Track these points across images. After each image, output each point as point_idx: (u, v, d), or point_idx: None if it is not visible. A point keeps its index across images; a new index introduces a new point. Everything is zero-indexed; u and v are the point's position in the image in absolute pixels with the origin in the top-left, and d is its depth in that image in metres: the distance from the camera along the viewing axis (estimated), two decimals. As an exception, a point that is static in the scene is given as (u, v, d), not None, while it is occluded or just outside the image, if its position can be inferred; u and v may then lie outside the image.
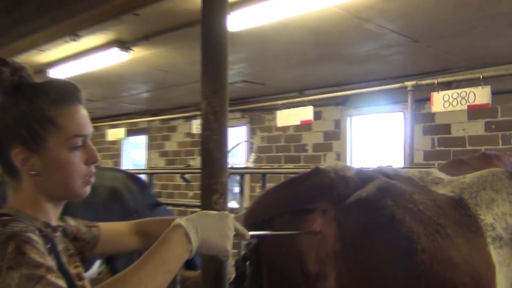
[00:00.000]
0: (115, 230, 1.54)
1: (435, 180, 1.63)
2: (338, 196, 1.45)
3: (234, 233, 1.29)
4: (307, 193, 1.49)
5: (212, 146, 1.62)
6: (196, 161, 8.78)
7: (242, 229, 1.33)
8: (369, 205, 1.37)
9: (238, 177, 4.61)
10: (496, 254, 1.39)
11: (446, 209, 1.43)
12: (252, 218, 1.51)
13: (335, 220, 1.42)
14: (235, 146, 5.43)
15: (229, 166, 1.81)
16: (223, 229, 1.25)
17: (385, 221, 1.33)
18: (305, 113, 6.20)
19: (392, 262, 1.31)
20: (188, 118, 8.63)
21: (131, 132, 9.94)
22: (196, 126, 7.77)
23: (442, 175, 1.68)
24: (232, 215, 1.32)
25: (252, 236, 1.37)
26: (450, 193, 1.52)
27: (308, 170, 1.55)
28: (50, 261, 1.07)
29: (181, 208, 8.22)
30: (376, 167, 1.68)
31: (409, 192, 1.42)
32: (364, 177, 1.51)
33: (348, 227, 1.39)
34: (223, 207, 1.64)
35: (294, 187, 1.53)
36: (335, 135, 7.09)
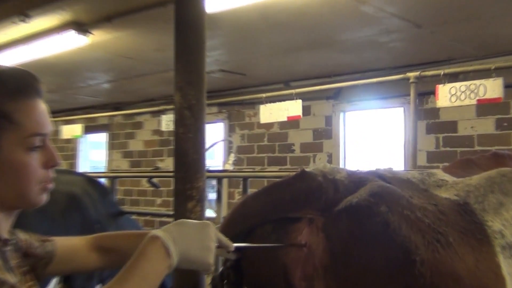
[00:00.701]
0: (72, 246, 1.52)
1: (438, 183, 1.67)
2: (327, 203, 1.48)
3: (217, 244, 1.32)
4: (292, 200, 1.51)
5: (187, 146, 1.64)
6: (165, 163, 8.77)
7: (225, 239, 1.37)
8: (360, 212, 1.40)
9: (214, 182, 4.63)
10: (506, 264, 1.43)
11: (449, 215, 1.47)
12: (229, 229, 1.53)
13: (323, 230, 1.45)
14: (211, 146, 5.45)
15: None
16: (204, 240, 1.28)
17: (379, 230, 1.37)
18: (293, 108, 6.23)
19: (388, 276, 1.34)
20: (157, 113, 8.62)
21: (89, 129, 9.88)
22: (166, 122, 7.76)
23: (446, 177, 1.72)
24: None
25: (236, 248, 1.40)
26: (454, 197, 1.56)
27: (293, 173, 1.58)
28: (11, 278, 1.07)
29: (148, 218, 8.21)
30: (371, 169, 1.72)
31: (406, 197, 1.46)
32: (357, 180, 1.54)
33: (337, 238, 1.42)
34: (200, 216, 1.65)
35: (277, 194, 1.55)
36: (326, 133, 7.16)
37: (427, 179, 1.68)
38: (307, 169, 1.56)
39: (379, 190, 1.45)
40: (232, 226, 1.57)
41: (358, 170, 1.68)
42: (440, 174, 1.74)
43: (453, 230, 1.43)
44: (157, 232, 1.25)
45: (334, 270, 1.40)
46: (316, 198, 1.50)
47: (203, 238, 1.28)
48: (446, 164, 5.97)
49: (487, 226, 1.47)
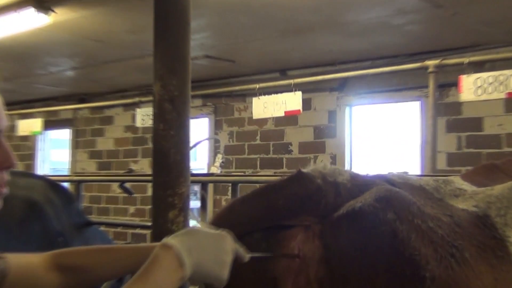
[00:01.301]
0: (28, 264, 1.52)
1: (455, 192, 1.70)
2: (326, 208, 1.51)
3: (233, 257, 1.39)
4: (286, 206, 1.54)
5: (169, 145, 1.66)
6: (140, 165, 8.78)
7: (241, 251, 1.43)
8: (363, 219, 1.43)
9: (197, 187, 4.64)
10: (529, 287, 1.47)
11: (466, 227, 1.51)
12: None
13: (320, 238, 1.48)
14: (195, 145, 5.47)
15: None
16: (220, 254, 1.35)
17: (385, 240, 1.40)
18: (291, 101, 6.24)
19: (393, 293, 1.39)
20: (130, 106, 8.62)
21: (50, 124, 9.87)
22: (141, 117, 7.77)
23: (465, 186, 1.75)
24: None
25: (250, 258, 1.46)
26: (472, 208, 1.59)
27: (288, 175, 1.61)
28: None
29: (119, 229, 8.20)
30: (378, 174, 1.75)
31: (417, 204, 1.50)
32: (361, 184, 1.58)
33: (335, 248, 1.45)
34: (183, 228, 1.67)
35: (269, 198, 1.59)
36: (329, 131, 7.19)
37: (442, 188, 1.72)
38: (304, 170, 1.59)
39: (387, 194, 1.48)
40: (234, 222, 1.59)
41: (363, 173, 1.72)
42: (458, 182, 1.78)
43: (470, 244, 1.47)
44: (170, 240, 1.31)
45: (331, 284, 1.43)
46: (314, 204, 1.53)
47: (219, 251, 1.35)
48: (469, 168, 5.99)
49: (509, 242, 1.51)
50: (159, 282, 1.25)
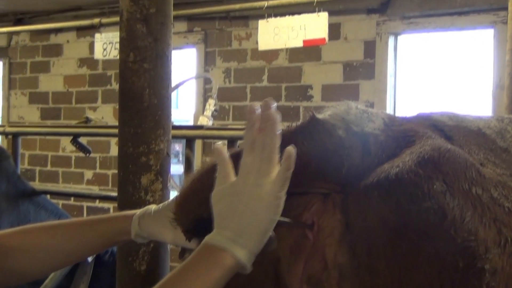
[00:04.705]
0: None
1: (526, 138, 1.68)
2: (349, 173, 1.50)
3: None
4: (295, 169, 1.47)
5: (142, 84, 1.67)
6: (100, 113, 8.79)
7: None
8: (401, 192, 1.41)
9: (179, 146, 4.65)
10: None
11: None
12: (192, 207, 1.55)
13: (342, 211, 1.48)
14: (177, 86, 5.47)
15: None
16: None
17: (429, 221, 1.38)
18: (313, 26, 6.22)
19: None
20: (87, 30, 8.60)
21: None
22: (102, 45, 7.76)
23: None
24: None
25: None
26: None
27: (298, 123, 1.58)
28: None
29: (71, 201, 8.24)
30: (422, 113, 1.72)
31: (476, 166, 1.47)
32: (399, 136, 1.55)
33: (362, 229, 1.44)
34: (161, 199, 1.66)
35: None
36: (365, 69, 7.18)
37: (509, 131, 1.68)
38: (319, 116, 1.55)
39: (433, 155, 1.44)
40: (196, 203, 1.59)
41: (402, 116, 1.70)
42: None
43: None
44: (212, 239, 1.41)
45: (354, 274, 1.44)
46: (333, 166, 1.51)
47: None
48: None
49: None
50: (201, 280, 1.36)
